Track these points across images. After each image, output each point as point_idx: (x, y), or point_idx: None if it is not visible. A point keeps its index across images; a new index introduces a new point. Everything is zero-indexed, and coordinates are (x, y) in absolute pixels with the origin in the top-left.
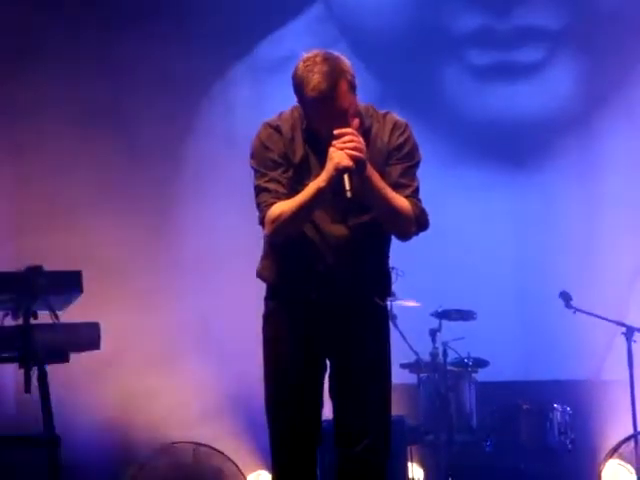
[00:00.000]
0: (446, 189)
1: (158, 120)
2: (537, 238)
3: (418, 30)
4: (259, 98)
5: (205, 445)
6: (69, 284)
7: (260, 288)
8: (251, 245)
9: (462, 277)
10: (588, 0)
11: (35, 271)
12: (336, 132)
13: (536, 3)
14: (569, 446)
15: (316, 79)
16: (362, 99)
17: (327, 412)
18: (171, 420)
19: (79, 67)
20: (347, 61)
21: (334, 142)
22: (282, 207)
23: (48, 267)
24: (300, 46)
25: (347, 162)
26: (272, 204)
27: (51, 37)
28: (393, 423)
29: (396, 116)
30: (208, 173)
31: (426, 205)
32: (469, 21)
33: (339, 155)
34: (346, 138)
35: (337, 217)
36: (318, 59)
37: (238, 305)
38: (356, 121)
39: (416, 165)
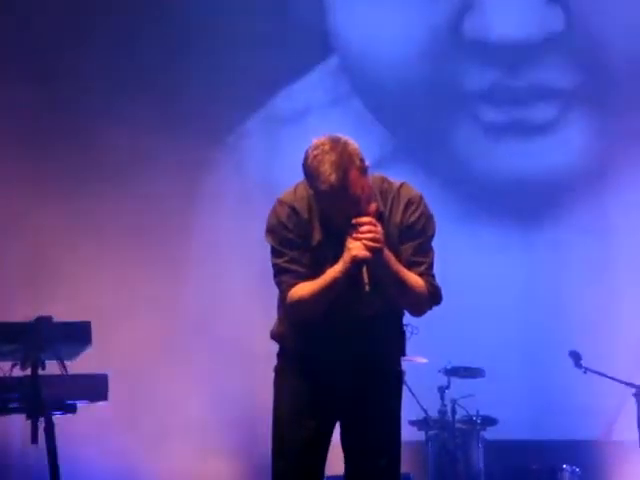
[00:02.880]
0: (457, 246)
1: (170, 173)
2: (548, 296)
3: (431, 86)
4: (273, 150)
5: None
6: (78, 335)
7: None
8: (264, 300)
9: (471, 334)
10: (601, 58)
11: (44, 322)
12: (354, 221)
13: (549, 61)
14: None
15: (326, 171)
16: (374, 154)
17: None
18: (178, 471)
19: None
20: (354, 144)
21: (351, 232)
22: (301, 292)
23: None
24: (314, 99)
25: (364, 253)
26: (293, 284)
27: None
28: None
29: (411, 189)
30: (220, 227)
31: (436, 261)
32: (482, 78)
33: (356, 247)
34: (364, 228)
35: (354, 297)
36: (326, 147)
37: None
38: (373, 206)
39: (430, 238)
